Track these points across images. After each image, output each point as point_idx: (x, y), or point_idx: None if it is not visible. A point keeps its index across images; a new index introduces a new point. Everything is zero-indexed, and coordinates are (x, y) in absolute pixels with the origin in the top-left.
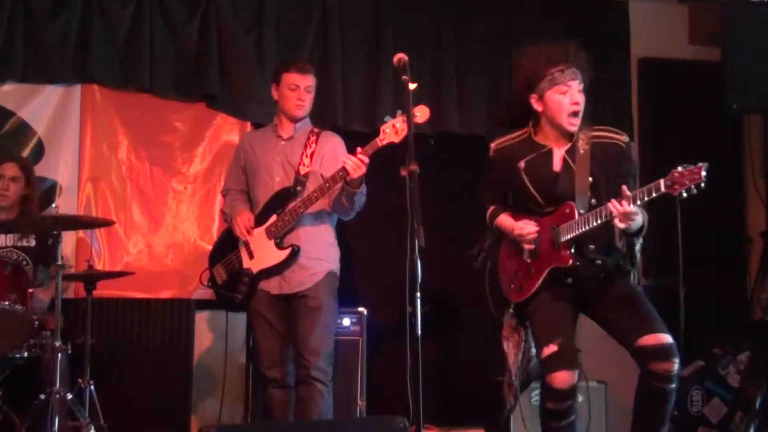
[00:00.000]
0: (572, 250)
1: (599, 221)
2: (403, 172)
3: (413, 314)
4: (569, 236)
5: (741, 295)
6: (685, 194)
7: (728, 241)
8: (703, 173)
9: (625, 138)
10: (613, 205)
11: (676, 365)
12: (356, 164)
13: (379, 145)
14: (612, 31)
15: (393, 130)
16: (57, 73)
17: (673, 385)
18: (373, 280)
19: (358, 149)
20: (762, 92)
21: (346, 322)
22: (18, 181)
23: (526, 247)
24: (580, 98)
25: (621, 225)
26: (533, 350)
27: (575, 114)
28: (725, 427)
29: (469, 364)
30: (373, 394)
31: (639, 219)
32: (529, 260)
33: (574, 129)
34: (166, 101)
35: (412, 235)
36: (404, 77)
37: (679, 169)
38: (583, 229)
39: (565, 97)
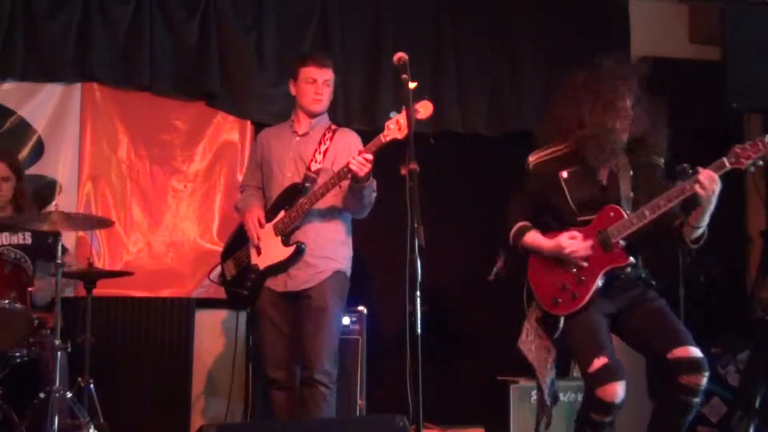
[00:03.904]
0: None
1: (656, 214)
2: (403, 171)
3: (413, 313)
4: (623, 234)
5: (741, 295)
6: (752, 168)
7: (728, 240)
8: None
9: (661, 159)
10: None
11: (705, 379)
12: (360, 162)
13: (383, 141)
14: (612, 30)
15: (397, 126)
16: (57, 71)
17: (697, 399)
18: (373, 280)
19: (361, 147)
20: (762, 92)
21: (346, 321)
22: (9, 180)
23: (580, 262)
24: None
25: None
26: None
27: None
28: (725, 427)
29: (469, 364)
30: (373, 393)
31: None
32: (575, 270)
33: (624, 137)
34: (166, 100)
35: (412, 234)
36: (404, 76)
37: (741, 144)
38: (638, 225)
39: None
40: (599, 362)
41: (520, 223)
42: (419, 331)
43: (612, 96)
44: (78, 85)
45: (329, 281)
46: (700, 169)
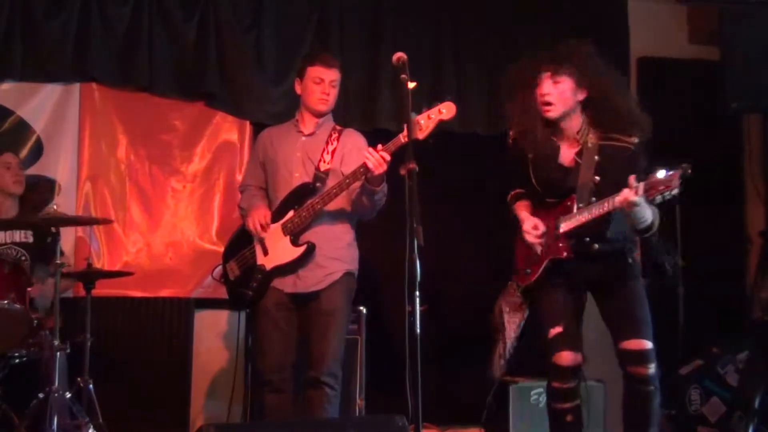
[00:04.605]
0: (571, 242)
1: (598, 213)
2: (402, 171)
3: (412, 313)
4: (566, 228)
5: (741, 295)
6: (659, 199)
7: (728, 240)
8: (677, 182)
9: (634, 140)
10: (624, 193)
11: (651, 369)
12: (378, 161)
13: (402, 141)
14: (611, 30)
15: (417, 126)
16: (56, 71)
17: (652, 387)
18: (372, 279)
19: (380, 146)
20: (762, 92)
21: None
22: (23, 168)
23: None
24: (550, 88)
25: (627, 210)
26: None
27: (546, 104)
28: (724, 427)
29: (469, 364)
30: (372, 393)
31: (648, 214)
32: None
33: (550, 116)
34: (165, 100)
35: (411, 233)
36: (403, 76)
37: (657, 175)
38: (581, 221)
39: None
40: (554, 331)
41: (516, 190)
42: (419, 331)
43: (526, 86)
44: (77, 86)
45: (339, 283)
46: (624, 191)
